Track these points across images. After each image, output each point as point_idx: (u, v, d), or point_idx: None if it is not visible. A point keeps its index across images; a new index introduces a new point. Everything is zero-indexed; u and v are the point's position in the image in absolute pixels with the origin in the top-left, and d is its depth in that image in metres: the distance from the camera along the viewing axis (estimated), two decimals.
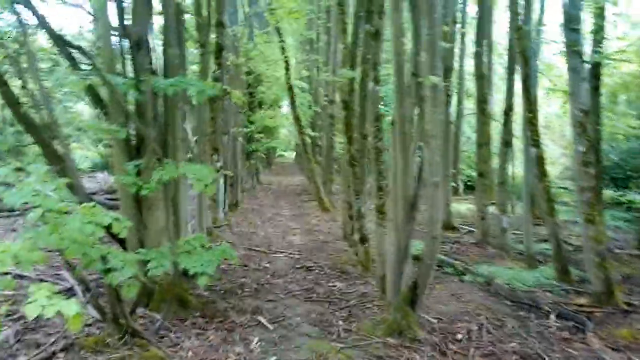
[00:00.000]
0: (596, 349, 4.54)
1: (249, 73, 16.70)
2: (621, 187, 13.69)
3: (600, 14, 7.03)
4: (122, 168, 4.77)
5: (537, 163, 6.77)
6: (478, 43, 9.29)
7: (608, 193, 12.05)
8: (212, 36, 8.93)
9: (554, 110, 19.92)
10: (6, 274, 4.41)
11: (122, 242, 5.12)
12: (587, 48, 6.49)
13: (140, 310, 4.91)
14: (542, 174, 6.76)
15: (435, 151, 4.27)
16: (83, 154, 21.91)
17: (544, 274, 7.02)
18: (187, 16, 8.11)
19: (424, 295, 4.78)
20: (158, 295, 5.14)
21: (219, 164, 9.90)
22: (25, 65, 5.09)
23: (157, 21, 6.17)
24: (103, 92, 5.74)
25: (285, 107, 26.49)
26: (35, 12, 4.80)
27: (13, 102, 5.16)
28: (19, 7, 4.66)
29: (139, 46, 4.85)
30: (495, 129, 11.75)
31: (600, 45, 7.04)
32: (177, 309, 5.07)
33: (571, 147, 18.48)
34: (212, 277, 4.68)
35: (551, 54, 13.43)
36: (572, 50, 5.74)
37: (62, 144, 3.66)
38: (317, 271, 7.21)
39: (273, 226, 11.39)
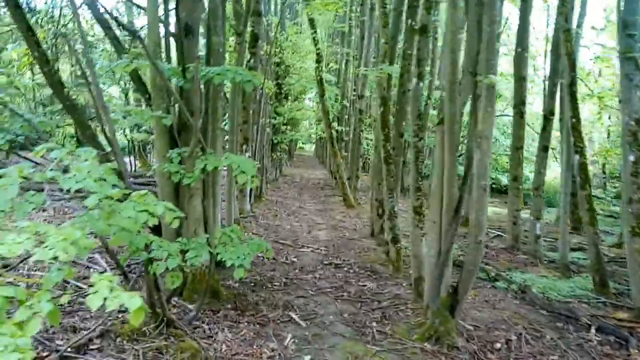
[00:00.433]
0: None
1: (278, 64, 16.63)
2: None
3: None
4: (165, 156, 4.72)
5: (580, 170, 6.56)
6: (519, 43, 9.03)
7: None
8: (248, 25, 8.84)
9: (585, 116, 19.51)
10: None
11: (157, 231, 5.07)
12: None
13: (173, 300, 4.87)
14: (585, 182, 6.55)
15: (486, 153, 4.12)
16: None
17: (578, 285, 6.83)
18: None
19: (464, 301, 4.65)
20: (191, 285, 5.10)
21: (247, 155, 9.85)
22: (74, 47, 5.03)
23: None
24: (144, 78, 5.70)
25: (307, 100, 26.41)
26: None
27: (56, 83, 5.14)
28: None
29: (188, 32, 4.78)
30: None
31: None
32: (210, 300, 5.02)
33: (600, 154, 18.06)
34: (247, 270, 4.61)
35: (587, 58, 13.12)
36: (627, 57, 5.52)
37: (109, 128, 3.59)
38: (345, 269, 7.11)
39: (298, 220, 11.32)
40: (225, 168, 5.31)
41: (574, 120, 6.66)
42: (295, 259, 7.50)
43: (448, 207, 4.47)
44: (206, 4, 5.46)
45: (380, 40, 9.37)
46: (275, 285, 6.11)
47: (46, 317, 1.80)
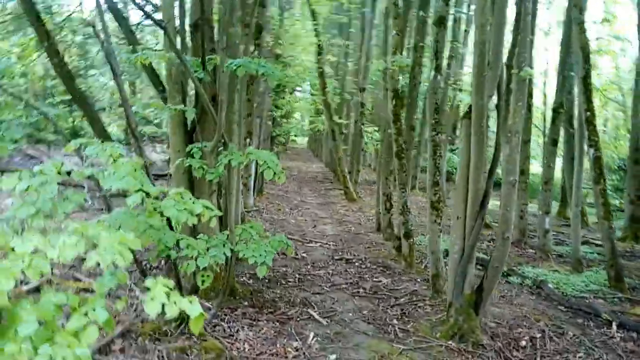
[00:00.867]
0: None
1: (277, 56, 16.42)
2: None
3: None
4: (180, 150, 4.59)
5: (594, 164, 6.50)
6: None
7: None
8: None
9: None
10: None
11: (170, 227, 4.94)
12: None
13: None
14: (599, 176, 6.49)
15: (515, 149, 4.03)
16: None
17: (591, 279, 6.79)
18: None
19: (489, 299, 4.58)
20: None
21: (251, 148, 9.70)
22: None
23: None
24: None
25: (297, 93, 26.14)
26: None
27: (65, 74, 4.98)
28: None
29: (203, 24, 4.63)
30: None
31: None
32: (226, 298, 4.91)
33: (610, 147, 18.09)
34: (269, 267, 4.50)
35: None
36: None
37: (132, 122, 3.45)
38: (357, 264, 7.03)
39: (301, 214, 11.21)
40: None
41: (588, 113, 6.60)
42: (305, 254, 7.40)
43: (473, 202, 4.38)
44: None
45: (381, 32, 9.26)
46: (289, 281, 6.01)
47: (102, 325, 1.69)
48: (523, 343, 4.54)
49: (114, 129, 16.03)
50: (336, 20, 19.29)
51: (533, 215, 10.24)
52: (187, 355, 3.76)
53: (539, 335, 4.73)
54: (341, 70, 18.91)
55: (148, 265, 5.58)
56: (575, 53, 6.87)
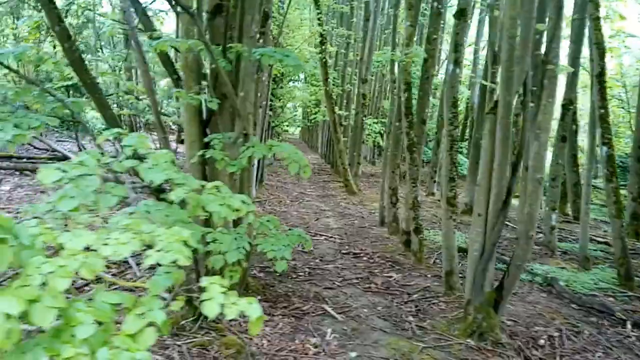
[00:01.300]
0: None
1: (276, 45, 16.23)
2: None
3: None
4: (195, 141, 4.47)
5: (607, 163, 6.46)
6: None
7: None
8: None
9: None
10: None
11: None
12: None
13: None
14: (612, 174, 6.46)
15: (543, 145, 3.96)
16: (95, 114, 21.19)
17: (600, 277, 6.77)
18: None
19: (509, 298, 4.52)
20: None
21: (255, 139, 9.56)
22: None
23: None
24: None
25: (291, 83, 25.88)
26: None
27: (77, 60, 4.82)
28: None
29: (221, 10, 4.49)
30: None
31: None
32: (242, 293, 4.82)
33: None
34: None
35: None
36: None
37: (156, 112, 3.33)
38: (365, 259, 6.96)
39: (303, 206, 11.12)
40: None
41: (602, 111, 6.54)
42: (312, 248, 7.31)
43: (496, 198, 4.31)
44: None
45: (393, 22, 9.15)
46: (300, 275, 5.94)
47: (160, 327, 1.59)
48: (541, 342, 4.50)
49: None
50: (337, 9, 19.09)
51: None
52: (208, 351, 3.68)
53: (556, 334, 4.70)
54: (341, 60, 18.72)
55: None
56: (592, 49, 6.80)
